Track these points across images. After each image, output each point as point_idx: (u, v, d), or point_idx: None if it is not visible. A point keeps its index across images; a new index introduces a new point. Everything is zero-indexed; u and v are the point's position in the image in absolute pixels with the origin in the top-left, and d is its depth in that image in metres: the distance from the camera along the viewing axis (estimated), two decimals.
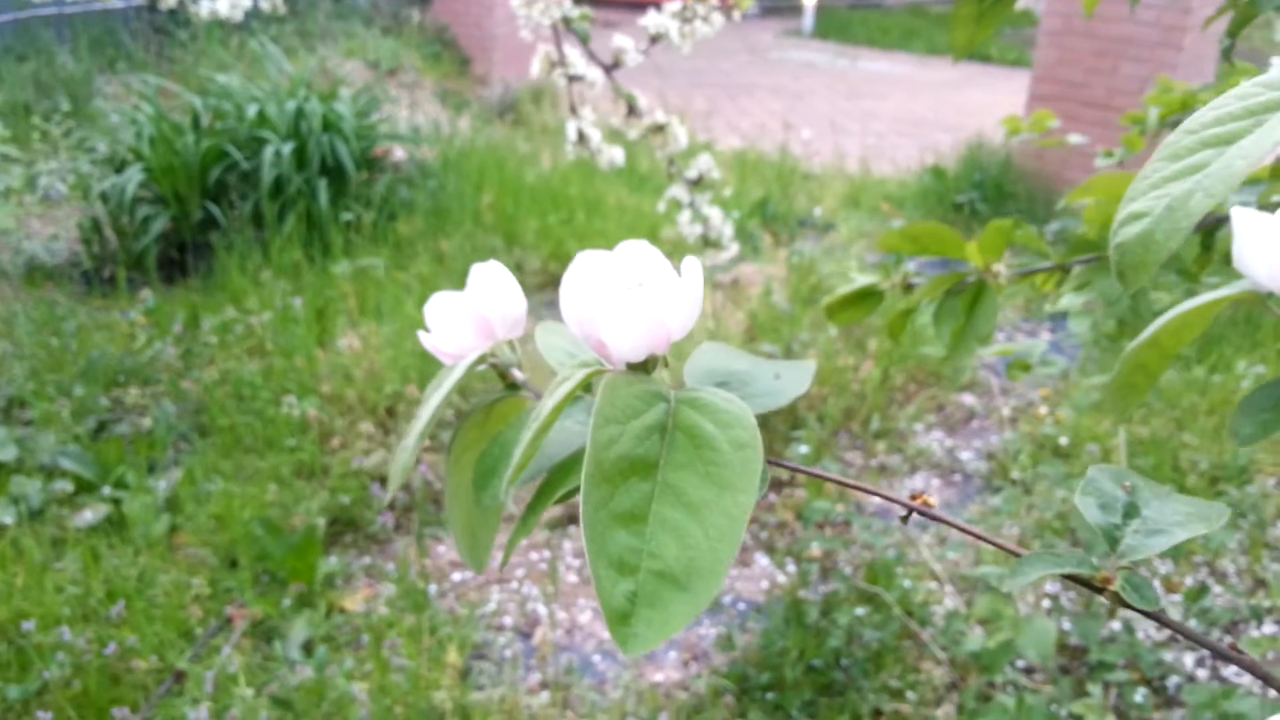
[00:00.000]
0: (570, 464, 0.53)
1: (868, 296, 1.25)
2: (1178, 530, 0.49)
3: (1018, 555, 0.51)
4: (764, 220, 4.32)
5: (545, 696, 1.99)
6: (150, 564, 2.21)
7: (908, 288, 1.24)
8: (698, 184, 1.81)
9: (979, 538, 0.53)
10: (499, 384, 0.63)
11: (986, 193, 4.57)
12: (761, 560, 2.49)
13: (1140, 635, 2.17)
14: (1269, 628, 2.28)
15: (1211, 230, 1.04)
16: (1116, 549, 0.49)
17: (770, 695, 2.00)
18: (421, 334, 0.62)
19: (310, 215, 3.66)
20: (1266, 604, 2.31)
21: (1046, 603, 2.30)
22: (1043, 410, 2.89)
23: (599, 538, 0.44)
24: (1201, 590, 2.29)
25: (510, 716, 1.91)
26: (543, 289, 3.65)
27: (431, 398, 0.59)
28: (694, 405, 0.49)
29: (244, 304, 3.20)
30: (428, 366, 2.76)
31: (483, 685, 2.01)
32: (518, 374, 0.62)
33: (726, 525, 0.46)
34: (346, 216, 3.66)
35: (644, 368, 0.52)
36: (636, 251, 0.51)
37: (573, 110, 1.66)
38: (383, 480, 2.48)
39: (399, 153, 4.28)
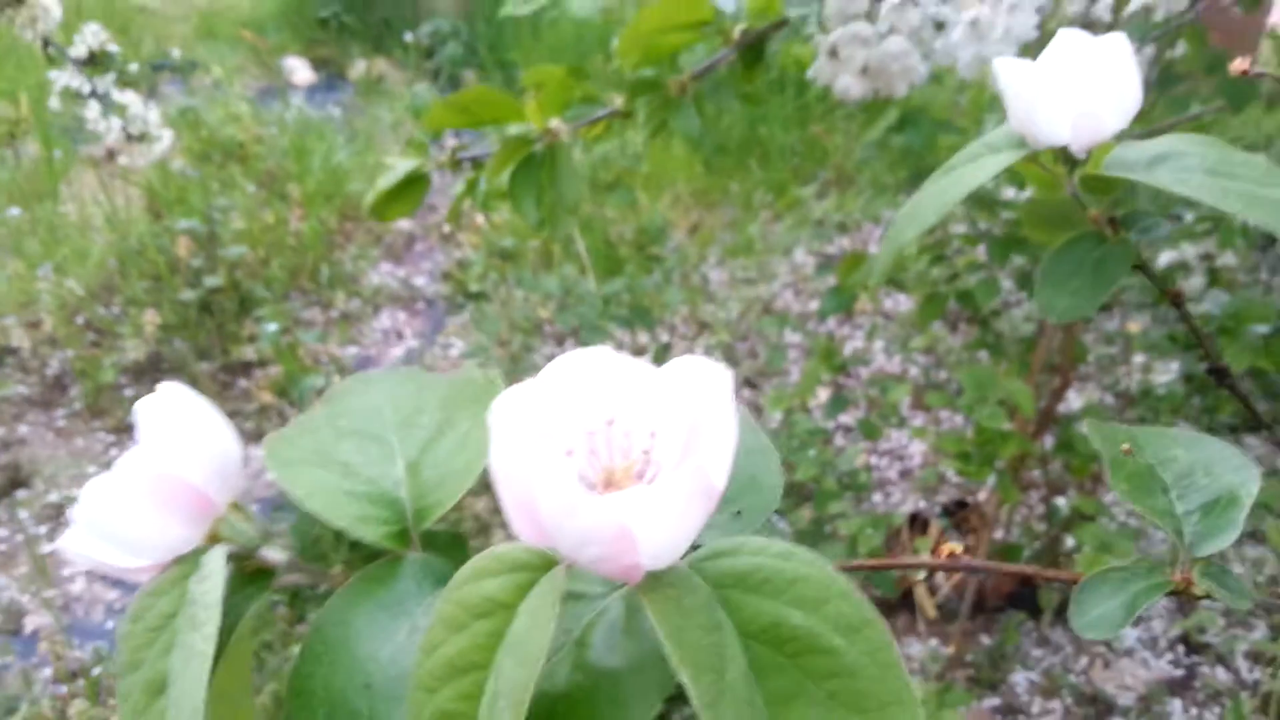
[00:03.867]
0: None
1: (414, 183, 1.02)
2: (1230, 478, 0.39)
3: (1074, 581, 0.39)
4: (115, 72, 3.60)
5: None
6: None
7: (457, 164, 1.03)
8: (93, 63, 1.36)
9: (1025, 573, 0.39)
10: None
11: (351, 3, 4.20)
12: None
13: None
14: None
15: None
16: (1184, 540, 0.38)
17: None
18: (69, 547, 0.33)
19: None
20: None
21: None
22: (478, 219, 2.81)
23: None
24: None
25: None
26: None
27: (184, 675, 0.31)
28: (745, 585, 0.29)
29: None
30: None
31: None
32: (272, 555, 0.35)
33: None
34: None
35: None
36: (605, 382, 0.27)
37: None
38: None
39: None
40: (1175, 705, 1.83)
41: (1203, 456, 0.41)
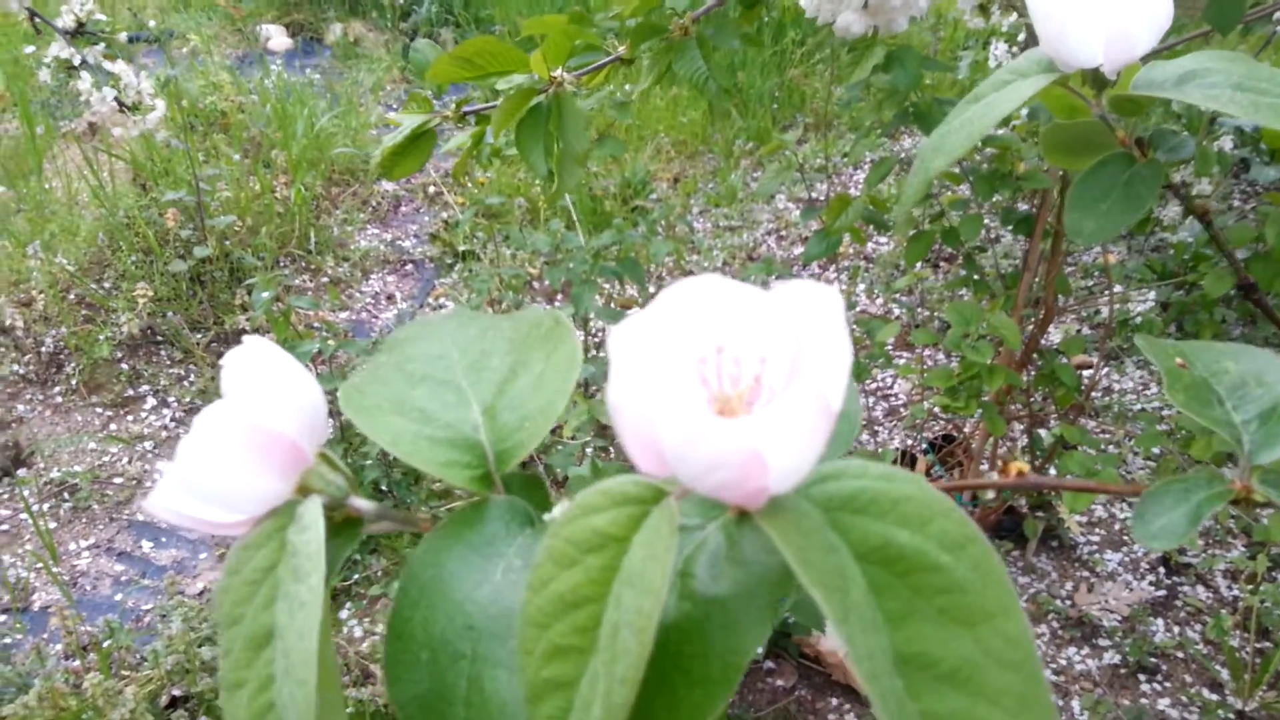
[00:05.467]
0: None
1: (420, 139, 1.00)
2: None
3: (1136, 494, 0.39)
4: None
5: None
6: None
7: (462, 118, 1.01)
8: (80, 34, 1.33)
9: (1085, 489, 0.39)
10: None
11: None
12: None
13: None
14: None
15: None
16: (1243, 448, 0.39)
17: None
18: (159, 505, 0.32)
19: None
20: None
21: None
22: (464, 178, 2.77)
23: None
24: None
25: None
26: None
27: (293, 626, 0.31)
28: (852, 507, 0.29)
29: None
30: None
31: None
32: (362, 504, 0.35)
33: (1023, 679, 0.27)
34: None
35: None
36: (719, 306, 0.26)
37: None
38: None
39: None
40: (1158, 625, 1.86)
41: (1253, 368, 0.41)
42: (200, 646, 1.77)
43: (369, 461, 2.04)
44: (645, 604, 0.27)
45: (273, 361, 0.33)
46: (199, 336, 2.56)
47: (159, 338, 2.55)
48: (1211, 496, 0.37)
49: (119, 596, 2.01)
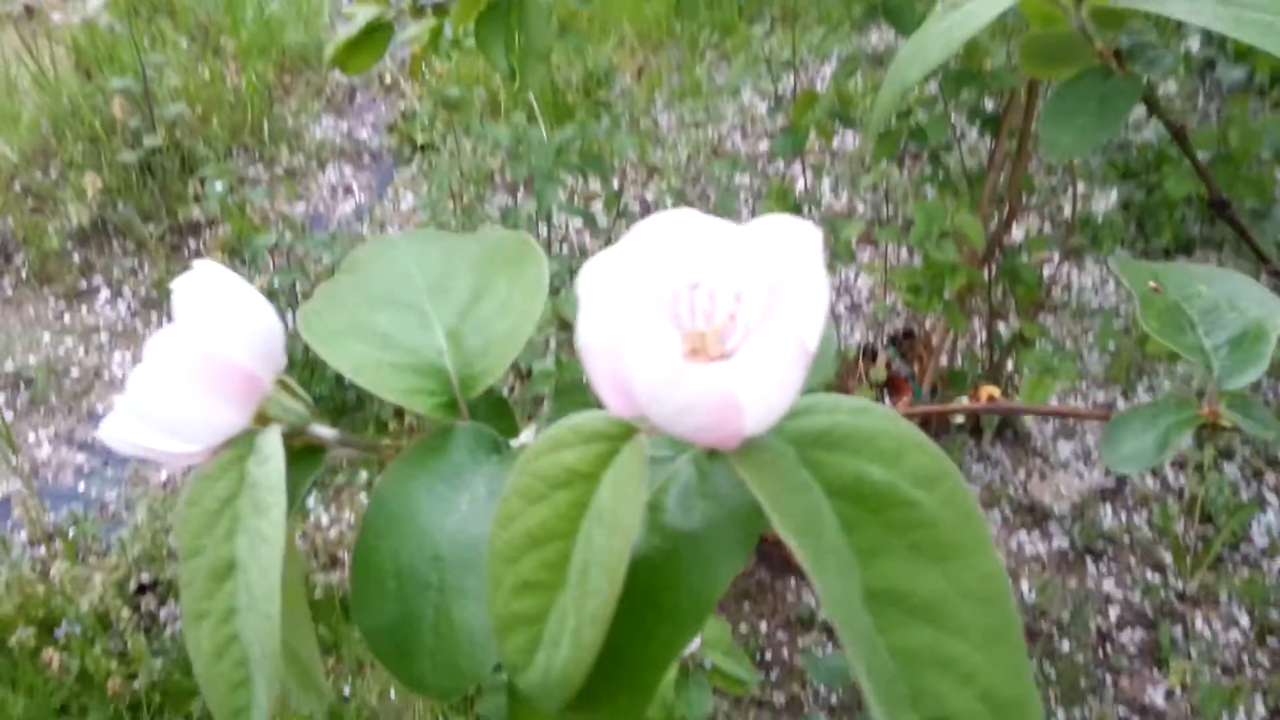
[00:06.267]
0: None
1: (375, 32, 0.96)
2: (1256, 311, 0.39)
3: (1105, 419, 0.39)
4: None
5: None
6: None
7: (419, 10, 0.97)
8: None
9: (1060, 414, 0.39)
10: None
11: None
12: None
13: None
14: None
15: None
16: (1213, 373, 0.39)
17: None
18: (112, 435, 0.31)
19: None
20: None
21: None
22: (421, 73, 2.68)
23: None
24: None
25: None
26: None
27: (255, 564, 0.30)
28: (825, 443, 0.28)
29: None
30: None
31: None
32: (323, 431, 0.34)
33: (992, 614, 0.27)
34: None
35: None
36: (693, 240, 0.25)
37: None
38: None
39: None
40: (1106, 511, 1.91)
41: (1225, 291, 0.41)
42: (167, 534, 1.77)
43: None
44: (616, 543, 0.26)
45: (226, 287, 0.32)
46: (152, 228, 2.49)
47: (110, 229, 2.48)
48: (1180, 422, 0.37)
49: (82, 486, 2.00)
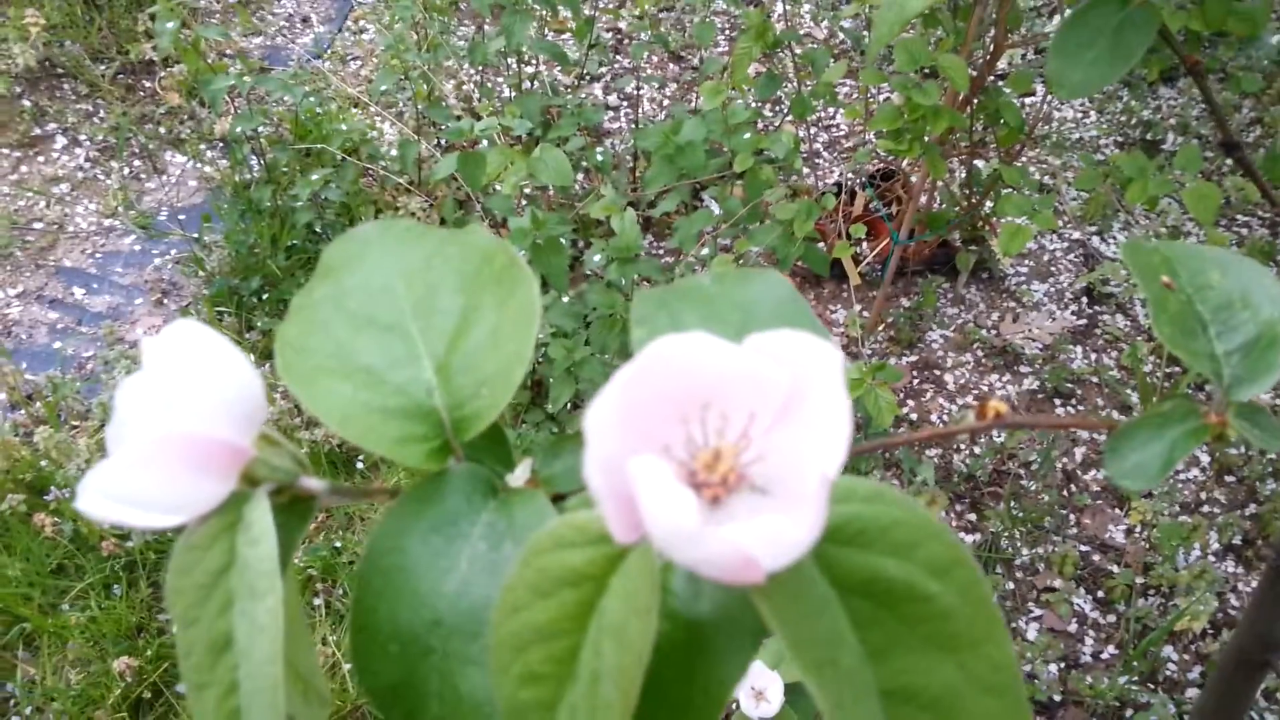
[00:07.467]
0: None
1: None
2: (1269, 311, 0.38)
3: (1111, 429, 0.38)
4: None
5: None
6: None
7: None
8: None
9: (1066, 426, 0.38)
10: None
11: None
12: None
13: None
14: None
15: None
16: (1223, 381, 0.37)
17: None
18: (91, 506, 0.29)
19: None
20: None
21: None
22: None
23: None
24: None
25: None
26: None
27: (260, 643, 0.29)
28: (839, 538, 0.27)
29: None
30: None
31: None
32: (313, 484, 0.33)
33: (1004, 705, 0.27)
34: None
35: None
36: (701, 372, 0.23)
37: None
38: None
39: None
40: (1077, 352, 1.94)
41: (1240, 284, 0.39)
42: None
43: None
44: (627, 661, 0.25)
45: (198, 348, 0.30)
46: (103, 68, 2.37)
47: (60, 70, 2.36)
48: (1186, 434, 0.36)
49: (57, 345, 1.97)
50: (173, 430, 0.28)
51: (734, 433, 0.24)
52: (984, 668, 0.27)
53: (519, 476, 0.35)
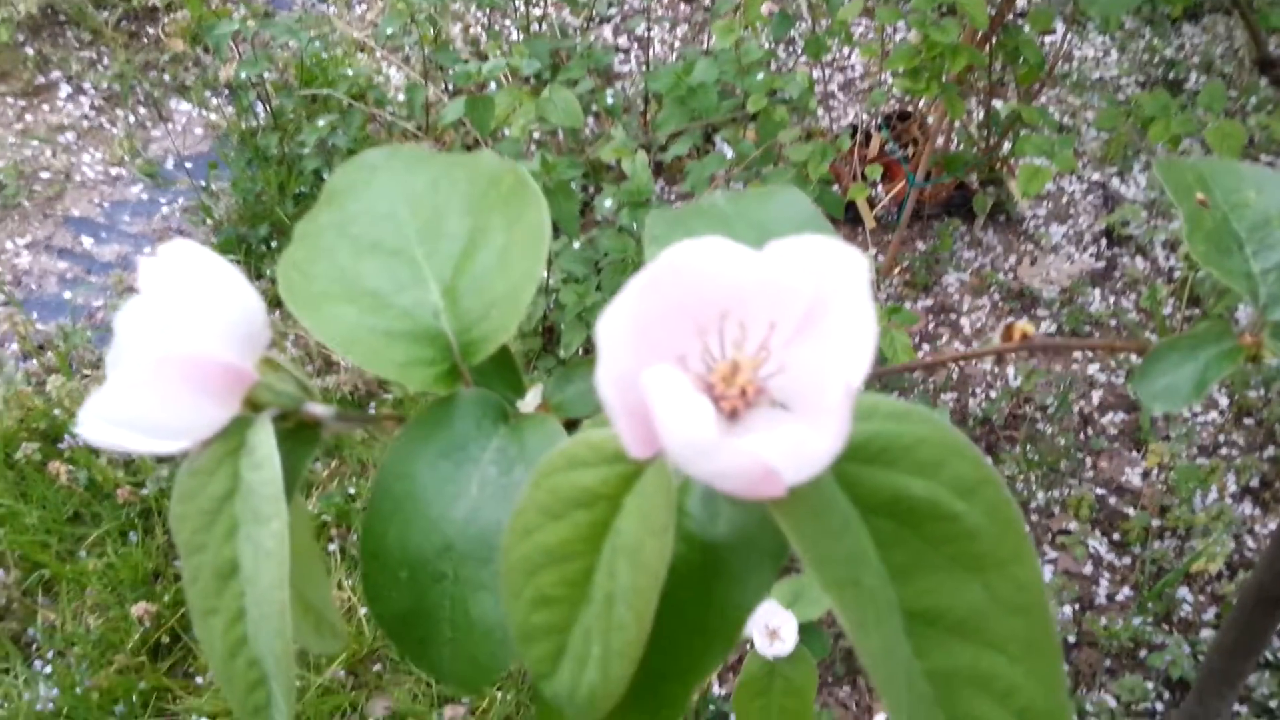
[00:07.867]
0: None
1: None
2: None
3: (1143, 350, 0.36)
4: None
5: None
6: None
7: None
8: None
9: (1093, 347, 0.37)
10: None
11: None
12: None
13: None
14: None
15: None
16: (1258, 300, 0.36)
17: None
18: (92, 431, 0.29)
19: None
20: None
21: None
22: None
23: None
24: None
25: None
26: None
27: (264, 573, 0.28)
28: (861, 456, 0.26)
29: None
30: None
31: None
32: (318, 410, 0.32)
33: (1030, 624, 0.27)
34: None
35: None
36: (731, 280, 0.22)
37: None
38: None
39: None
40: (1095, 295, 1.91)
41: (1276, 202, 0.37)
42: None
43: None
44: (642, 582, 0.25)
45: (197, 269, 0.29)
46: (106, 15, 2.34)
47: (62, 17, 2.33)
48: (1220, 356, 0.35)
49: (67, 294, 1.97)
50: (172, 351, 0.27)
51: (753, 344, 0.23)
52: (1010, 588, 0.26)
53: (530, 402, 0.34)
